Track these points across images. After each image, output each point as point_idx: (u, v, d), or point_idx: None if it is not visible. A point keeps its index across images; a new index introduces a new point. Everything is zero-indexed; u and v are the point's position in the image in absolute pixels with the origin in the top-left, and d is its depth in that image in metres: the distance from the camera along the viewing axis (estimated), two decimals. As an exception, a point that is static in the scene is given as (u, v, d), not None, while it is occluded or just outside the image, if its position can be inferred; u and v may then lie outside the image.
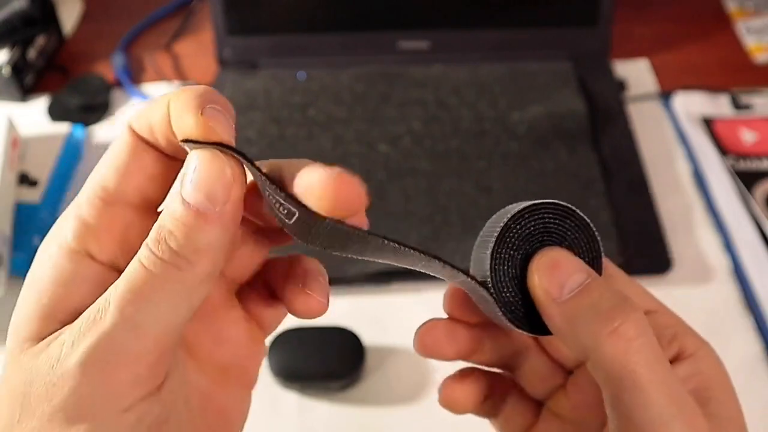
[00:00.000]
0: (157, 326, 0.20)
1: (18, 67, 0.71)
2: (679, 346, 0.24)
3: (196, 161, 0.21)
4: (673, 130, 0.68)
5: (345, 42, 0.72)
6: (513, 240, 0.24)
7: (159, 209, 0.23)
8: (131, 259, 0.21)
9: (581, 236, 0.24)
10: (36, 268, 0.22)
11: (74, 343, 0.20)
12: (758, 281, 0.55)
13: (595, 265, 0.24)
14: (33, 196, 0.61)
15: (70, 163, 0.66)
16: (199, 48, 0.78)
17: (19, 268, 0.57)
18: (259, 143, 0.64)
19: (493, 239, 0.23)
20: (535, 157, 0.63)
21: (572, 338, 0.22)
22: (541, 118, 0.65)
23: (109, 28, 0.80)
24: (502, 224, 0.23)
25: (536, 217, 0.24)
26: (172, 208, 0.20)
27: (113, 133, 0.70)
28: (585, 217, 0.24)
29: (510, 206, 0.25)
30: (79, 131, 0.68)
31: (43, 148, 0.65)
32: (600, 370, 0.22)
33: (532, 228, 0.24)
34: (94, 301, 0.21)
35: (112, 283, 0.21)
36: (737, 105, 0.69)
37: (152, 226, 0.21)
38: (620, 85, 0.71)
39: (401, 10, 0.72)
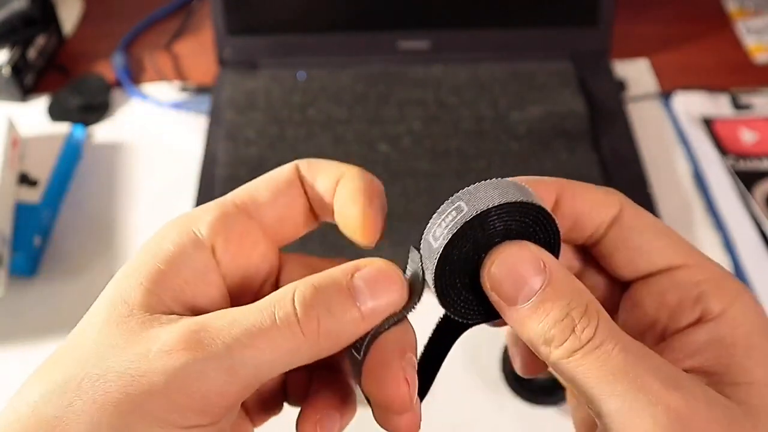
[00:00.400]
0: (254, 377, 0.20)
1: (18, 67, 0.71)
2: (703, 308, 0.23)
3: (375, 266, 0.22)
4: (673, 130, 0.68)
5: (345, 42, 0.72)
6: (455, 262, 0.22)
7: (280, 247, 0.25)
8: (240, 276, 0.23)
9: (531, 223, 0.22)
10: (159, 241, 0.22)
11: (172, 350, 0.19)
12: (758, 281, 0.55)
13: (553, 248, 0.23)
14: (33, 196, 0.61)
15: (70, 163, 0.66)
16: (199, 48, 0.78)
17: (19, 268, 0.57)
18: (259, 143, 0.64)
19: (435, 259, 0.22)
20: (535, 157, 0.63)
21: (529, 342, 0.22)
22: (541, 118, 0.65)
23: (109, 28, 0.80)
24: (440, 247, 0.22)
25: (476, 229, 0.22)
26: (335, 291, 0.21)
27: (113, 133, 0.70)
28: (527, 201, 0.22)
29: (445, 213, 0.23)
30: (79, 131, 0.68)
31: (43, 148, 0.65)
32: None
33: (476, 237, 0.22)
34: (200, 297, 0.22)
35: (219, 288, 0.22)
36: (737, 105, 0.69)
37: (269, 256, 0.24)
38: (620, 85, 0.71)
39: (401, 10, 0.72)
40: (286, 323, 0.20)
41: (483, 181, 0.23)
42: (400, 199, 0.60)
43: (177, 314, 0.21)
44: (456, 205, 0.22)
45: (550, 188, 0.24)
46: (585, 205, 0.24)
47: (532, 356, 0.25)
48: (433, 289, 0.23)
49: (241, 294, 0.24)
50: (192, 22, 0.81)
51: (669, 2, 0.81)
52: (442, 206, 0.23)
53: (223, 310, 0.21)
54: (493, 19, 0.72)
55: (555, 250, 0.23)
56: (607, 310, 0.23)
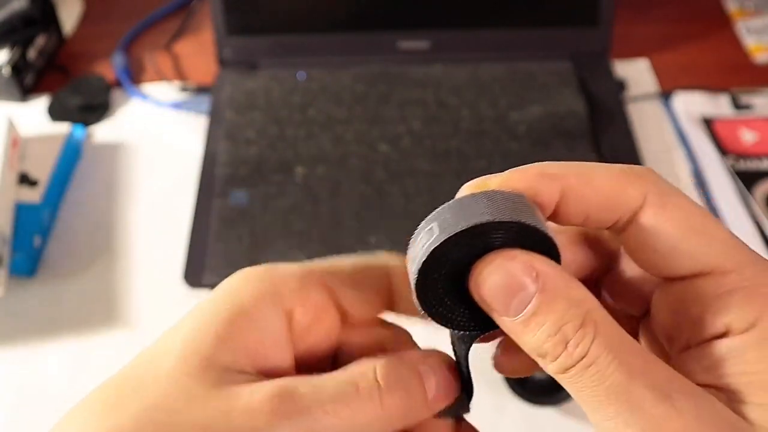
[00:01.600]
0: None
1: (18, 67, 0.71)
2: (727, 323, 0.20)
3: (440, 360, 0.24)
4: (673, 130, 0.68)
5: (345, 42, 0.72)
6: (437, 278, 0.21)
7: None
8: (307, 347, 0.23)
9: (520, 237, 0.20)
10: (236, 292, 0.22)
11: (257, 410, 0.20)
12: (758, 281, 0.55)
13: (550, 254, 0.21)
14: (33, 196, 0.61)
15: (70, 163, 0.66)
16: (199, 48, 0.78)
17: (19, 268, 0.57)
18: (259, 143, 0.64)
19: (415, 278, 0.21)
20: (535, 157, 0.62)
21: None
22: (541, 118, 0.65)
23: (109, 28, 0.80)
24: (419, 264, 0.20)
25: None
26: (411, 373, 0.22)
27: (113, 133, 0.70)
28: (520, 222, 0.20)
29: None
30: (79, 131, 0.68)
31: (43, 148, 0.65)
32: None
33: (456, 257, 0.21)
34: (271, 360, 0.22)
35: (288, 355, 0.22)
36: (737, 105, 0.69)
37: (335, 332, 0.24)
38: (620, 85, 0.71)
39: (401, 10, 0.72)
40: (369, 395, 0.21)
41: (468, 196, 0.21)
42: (400, 199, 0.60)
43: (248, 374, 0.21)
44: (437, 221, 0.21)
45: (552, 184, 0.22)
46: (597, 198, 0.21)
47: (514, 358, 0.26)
48: (417, 304, 0.21)
49: (304, 364, 0.24)
50: (192, 22, 0.81)
51: (669, 2, 0.81)
52: (422, 223, 0.21)
53: (305, 377, 0.21)
54: (493, 19, 0.72)
55: (552, 257, 0.21)
56: (641, 304, 0.23)
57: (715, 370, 0.20)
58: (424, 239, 0.20)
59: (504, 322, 0.20)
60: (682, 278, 0.21)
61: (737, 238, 0.21)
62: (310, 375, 0.21)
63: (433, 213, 0.21)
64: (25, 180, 0.62)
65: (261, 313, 0.22)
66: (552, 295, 0.20)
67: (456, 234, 0.20)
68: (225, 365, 0.21)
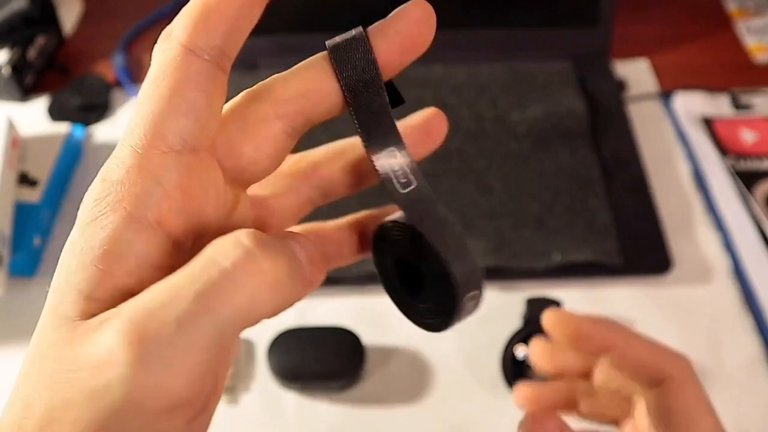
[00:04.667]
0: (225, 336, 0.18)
1: (18, 67, 0.71)
2: None
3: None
4: (673, 130, 0.68)
5: (345, 42, 0.72)
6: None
7: None
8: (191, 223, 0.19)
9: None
10: (93, 228, 0.19)
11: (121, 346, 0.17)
12: (758, 281, 0.55)
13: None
14: (33, 196, 0.61)
15: (70, 163, 0.66)
16: (199, 48, 0.78)
17: (19, 268, 0.57)
18: (259, 143, 0.64)
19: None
20: (535, 157, 0.63)
21: None
22: (541, 118, 0.65)
23: (109, 28, 0.80)
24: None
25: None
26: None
27: (113, 133, 0.70)
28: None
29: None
30: (79, 131, 0.68)
31: (43, 148, 0.65)
32: None
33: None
34: (146, 281, 0.18)
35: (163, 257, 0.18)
36: (737, 105, 0.69)
37: (223, 198, 0.20)
38: (620, 85, 0.71)
39: (401, 10, 0.72)
40: (245, 264, 0.17)
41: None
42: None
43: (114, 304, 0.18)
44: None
45: (602, 339, 0.29)
46: (637, 359, 0.28)
47: None
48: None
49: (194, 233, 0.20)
50: (192, 22, 0.81)
51: (669, 2, 0.81)
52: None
53: (151, 294, 0.17)
54: (492, 19, 0.72)
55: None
56: None
57: None
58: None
59: None
60: None
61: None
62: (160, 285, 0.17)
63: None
64: (25, 180, 0.62)
65: (120, 243, 0.18)
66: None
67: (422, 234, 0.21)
68: (89, 312, 0.18)
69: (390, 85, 0.22)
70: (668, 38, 0.77)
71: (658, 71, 0.74)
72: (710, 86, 0.71)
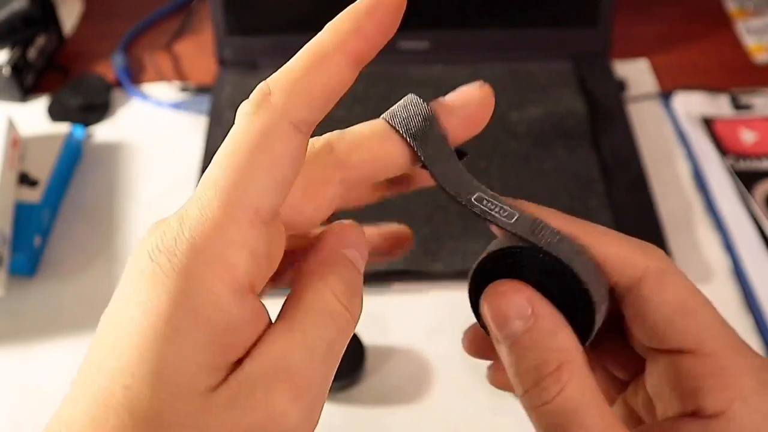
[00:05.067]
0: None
1: (18, 67, 0.71)
2: (698, 404, 0.21)
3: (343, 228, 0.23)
4: (673, 130, 0.68)
5: (345, 42, 0.72)
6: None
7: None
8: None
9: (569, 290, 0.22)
10: (200, 306, 0.18)
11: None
12: (758, 281, 0.55)
13: (582, 328, 0.22)
14: (33, 196, 0.61)
15: (70, 163, 0.66)
16: (199, 48, 0.78)
17: (19, 268, 0.57)
18: (259, 143, 0.64)
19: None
20: (535, 157, 0.63)
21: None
22: (541, 118, 0.65)
23: (109, 28, 0.80)
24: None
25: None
26: (350, 272, 0.23)
27: (113, 133, 0.70)
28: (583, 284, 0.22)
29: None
30: (79, 131, 0.68)
31: (43, 148, 0.65)
32: None
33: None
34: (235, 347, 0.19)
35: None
36: (737, 105, 0.69)
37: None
38: (620, 85, 0.71)
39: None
40: (348, 328, 0.21)
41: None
42: (400, 199, 0.60)
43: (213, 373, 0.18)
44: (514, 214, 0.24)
45: (570, 230, 0.24)
46: (612, 253, 0.23)
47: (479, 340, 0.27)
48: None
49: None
50: (192, 22, 0.81)
51: (669, 2, 0.81)
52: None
53: (268, 360, 0.19)
54: (493, 19, 0.72)
55: (586, 330, 0.22)
56: (631, 370, 0.24)
57: None
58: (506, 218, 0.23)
59: (495, 341, 0.23)
60: (668, 352, 0.23)
61: (726, 323, 0.23)
62: (293, 340, 0.19)
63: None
64: (25, 180, 0.62)
65: (230, 318, 0.18)
66: (538, 334, 0.21)
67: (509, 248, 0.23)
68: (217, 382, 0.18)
69: (458, 150, 0.25)
70: (668, 38, 0.77)
71: (658, 71, 0.74)
72: (710, 86, 0.71)
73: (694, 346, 0.22)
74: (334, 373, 0.21)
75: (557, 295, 0.22)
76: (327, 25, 0.21)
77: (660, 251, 0.23)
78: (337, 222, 0.23)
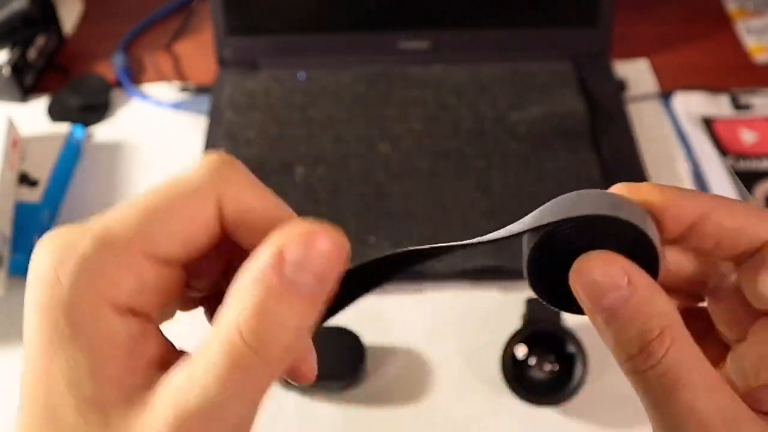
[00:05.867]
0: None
1: (18, 67, 0.71)
2: None
3: (300, 242, 0.19)
4: (673, 130, 0.68)
5: (345, 42, 0.72)
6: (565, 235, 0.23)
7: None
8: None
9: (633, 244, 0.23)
10: (66, 336, 0.20)
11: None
12: (758, 281, 0.55)
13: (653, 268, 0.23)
14: (33, 196, 0.61)
15: (70, 163, 0.66)
16: (199, 48, 0.78)
17: (19, 268, 0.57)
18: (259, 143, 0.64)
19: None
20: (535, 157, 0.63)
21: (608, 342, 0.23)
22: (541, 118, 0.65)
23: (109, 28, 0.80)
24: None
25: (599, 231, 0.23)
26: (277, 302, 0.18)
27: (113, 133, 0.70)
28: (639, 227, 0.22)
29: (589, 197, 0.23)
30: (79, 131, 0.68)
31: (43, 148, 0.65)
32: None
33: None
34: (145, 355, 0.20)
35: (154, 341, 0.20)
36: (737, 105, 0.69)
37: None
38: (620, 85, 0.71)
39: (402, 10, 0.72)
40: (254, 367, 0.18)
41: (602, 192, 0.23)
42: (399, 199, 0.60)
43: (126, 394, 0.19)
44: (573, 200, 0.23)
45: (694, 205, 0.23)
46: (732, 227, 0.23)
47: None
48: (526, 268, 0.24)
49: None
50: (192, 22, 0.81)
51: (669, 2, 0.81)
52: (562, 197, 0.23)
53: (185, 377, 0.19)
54: (493, 19, 0.72)
55: (654, 272, 0.23)
56: (738, 331, 0.24)
57: None
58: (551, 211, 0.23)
59: (592, 315, 0.22)
60: None
61: None
62: (187, 369, 0.19)
63: (569, 195, 0.23)
64: (25, 180, 0.62)
65: (111, 331, 0.19)
66: (638, 303, 0.21)
67: (586, 216, 0.22)
68: (108, 402, 0.19)
69: None
70: (668, 38, 0.77)
71: (658, 71, 0.74)
72: (710, 86, 0.71)
73: None
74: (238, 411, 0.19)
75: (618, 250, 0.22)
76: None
77: None
78: (298, 224, 0.19)
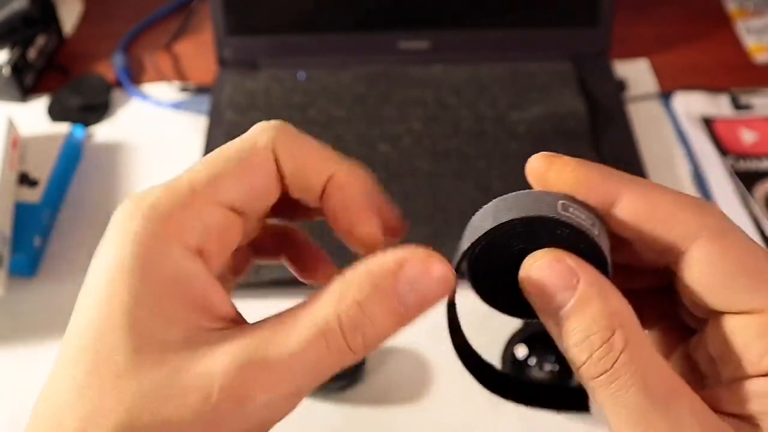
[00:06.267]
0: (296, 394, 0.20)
1: (18, 67, 0.71)
2: (755, 367, 0.21)
3: (424, 266, 0.20)
4: (673, 130, 0.68)
5: (345, 42, 0.72)
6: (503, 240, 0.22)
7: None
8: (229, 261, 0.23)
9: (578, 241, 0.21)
10: (144, 260, 0.20)
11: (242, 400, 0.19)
12: (758, 281, 0.55)
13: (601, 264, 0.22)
14: (33, 196, 0.61)
15: (70, 163, 0.66)
16: (199, 48, 0.78)
17: (19, 268, 0.57)
18: (259, 143, 0.64)
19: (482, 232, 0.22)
20: (535, 157, 0.62)
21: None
22: (541, 118, 0.65)
23: (109, 28, 0.80)
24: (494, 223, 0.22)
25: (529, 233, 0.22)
26: (380, 301, 0.20)
27: (113, 133, 0.70)
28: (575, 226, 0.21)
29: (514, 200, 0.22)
30: (79, 131, 0.68)
31: (43, 148, 0.65)
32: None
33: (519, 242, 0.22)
34: (210, 303, 0.20)
35: (218, 290, 0.21)
36: (737, 105, 0.69)
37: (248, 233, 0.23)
38: (620, 85, 0.71)
39: (402, 10, 0.72)
40: (337, 350, 0.19)
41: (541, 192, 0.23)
42: (400, 199, 0.60)
43: (196, 332, 0.20)
44: (505, 204, 0.22)
45: (613, 187, 0.22)
46: (653, 215, 0.21)
47: None
48: (468, 275, 0.23)
49: (228, 274, 0.25)
50: (192, 22, 0.81)
51: (669, 2, 0.81)
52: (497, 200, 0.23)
53: (264, 330, 0.19)
54: (493, 19, 0.72)
55: (603, 266, 0.22)
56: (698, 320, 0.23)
57: (747, 404, 0.20)
58: (490, 216, 0.22)
59: (543, 318, 0.21)
60: (730, 313, 0.21)
61: None
62: (272, 324, 0.20)
63: (501, 198, 0.23)
64: (25, 180, 0.62)
65: (179, 268, 0.20)
66: (586, 303, 0.20)
67: (524, 219, 0.21)
68: (169, 339, 0.19)
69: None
70: (668, 38, 0.77)
71: (658, 71, 0.74)
72: (710, 86, 0.71)
73: (761, 306, 0.21)
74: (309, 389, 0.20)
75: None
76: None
77: (716, 207, 0.22)
78: (418, 247, 0.20)
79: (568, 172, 0.23)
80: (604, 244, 0.22)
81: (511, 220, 0.21)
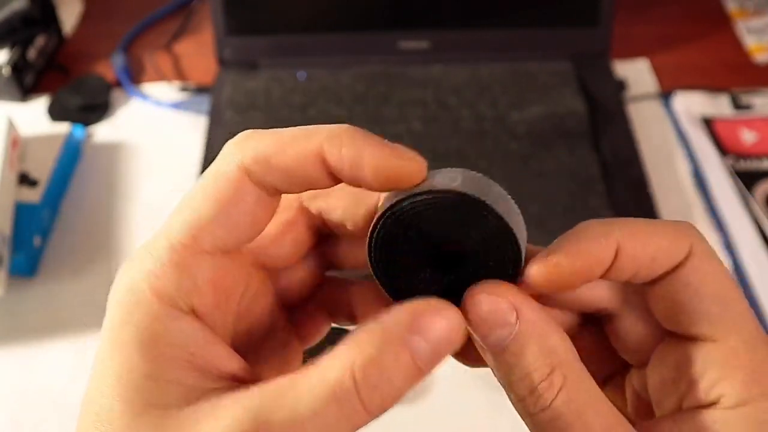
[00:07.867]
0: None
1: (18, 67, 0.71)
2: (718, 393, 0.20)
3: (441, 325, 0.19)
4: (673, 130, 0.68)
5: (345, 42, 0.72)
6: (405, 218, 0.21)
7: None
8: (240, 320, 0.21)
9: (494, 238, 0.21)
10: (135, 327, 0.19)
11: None
12: (758, 281, 0.55)
13: (513, 270, 0.21)
14: (33, 196, 0.61)
15: (70, 163, 0.66)
16: (199, 48, 0.78)
17: (19, 268, 0.57)
18: (259, 143, 0.64)
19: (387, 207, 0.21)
20: (535, 157, 0.63)
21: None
22: (541, 118, 0.65)
23: (109, 28, 0.80)
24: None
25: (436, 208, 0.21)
26: (396, 360, 0.19)
27: (113, 133, 0.70)
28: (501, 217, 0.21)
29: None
30: (79, 131, 0.68)
31: (43, 148, 0.65)
32: None
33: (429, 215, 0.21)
34: (210, 365, 0.20)
35: (222, 349, 0.20)
36: (737, 105, 0.69)
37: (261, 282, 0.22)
38: (620, 85, 0.71)
39: (401, 10, 0.72)
40: (351, 408, 0.19)
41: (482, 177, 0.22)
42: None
43: (198, 391, 0.19)
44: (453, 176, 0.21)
45: (609, 245, 0.21)
46: (648, 255, 0.21)
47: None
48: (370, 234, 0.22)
49: (244, 332, 0.23)
50: (192, 22, 0.81)
51: (669, 2, 0.81)
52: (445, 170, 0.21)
53: (274, 388, 0.18)
54: (493, 19, 0.72)
55: (516, 265, 0.21)
56: (639, 356, 0.23)
57: None
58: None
59: (482, 351, 0.21)
60: (693, 338, 0.21)
61: (753, 315, 0.21)
62: (278, 384, 0.19)
63: (452, 169, 0.21)
64: (25, 180, 0.62)
65: (169, 331, 0.19)
66: (526, 339, 0.20)
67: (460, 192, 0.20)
68: (167, 402, 0.19)
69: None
70: (668, 38, 0.77)
71: (658, 71, 0.74)
72: (710, 86, 0.71)
73: (721, 334, 0.21)
74: None
75: (473, 238, 0.21)
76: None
77: (696, 230, 0.22)
78: (428, 299, 0.19)
79: (561, 271, 0.21)
80: (524, 244, 0.22)
81: (448, 190, 0.20)
